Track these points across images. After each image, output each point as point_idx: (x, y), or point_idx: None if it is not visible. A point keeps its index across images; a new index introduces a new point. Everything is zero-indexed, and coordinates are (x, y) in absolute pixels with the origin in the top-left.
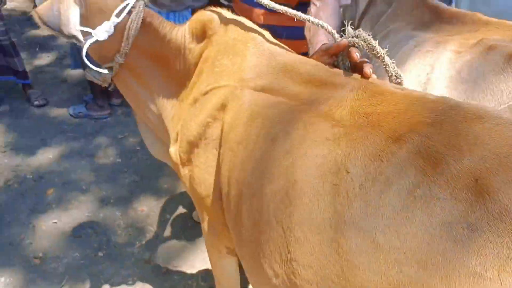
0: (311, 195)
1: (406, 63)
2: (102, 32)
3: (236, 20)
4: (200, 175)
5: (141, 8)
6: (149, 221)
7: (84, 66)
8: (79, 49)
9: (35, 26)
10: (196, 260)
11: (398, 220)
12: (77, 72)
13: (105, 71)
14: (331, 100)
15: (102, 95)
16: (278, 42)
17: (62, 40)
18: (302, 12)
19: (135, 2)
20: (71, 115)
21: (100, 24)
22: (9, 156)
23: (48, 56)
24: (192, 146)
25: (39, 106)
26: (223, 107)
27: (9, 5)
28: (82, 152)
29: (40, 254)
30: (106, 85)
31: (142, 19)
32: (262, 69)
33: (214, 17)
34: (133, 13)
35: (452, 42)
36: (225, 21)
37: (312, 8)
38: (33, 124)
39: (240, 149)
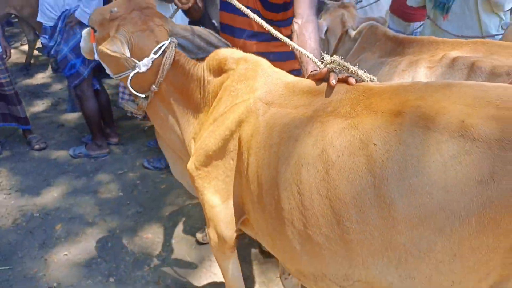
0: (350, 170)
1: (391, 81)
2: (143, 65)
3: (244, 55)
4: (218, 185)
5: (173, 48)
6: (154, 247)
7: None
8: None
9: (27, 76)
10: (203, 278)
11: (422, 164)
12: (73, 116)
13: (143, 96)
14: (332, 103)
15: (100, 136)
16: (270, 65)
17: (55, 88)
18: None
19: (168, 44)
20: (71, 156)
21: (140, 60)
22: (14, 197)
23: (43, 103)
24: (211, 158)
25: (39, 150)
26: (240, 122)
27: None
28: (85, 189)
29: (55, 285)
30: (141, 114)
31: (173, 57)
32: (270, 88)
33: (228, 55)
34: (167, 52)
35: (422, 60)
36: (236, 57)
37: (295, 25)
38: (35, 166)
39: (265, 152)
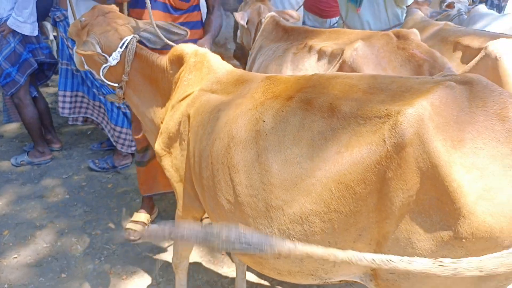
0: (243, 142)
1: (269, 64)
2: (113, 59)
3: (195, 48)
4: (177, 163)
5: (134, 42)
6: (104, 241)
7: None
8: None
9: None
10: (152, 264)
11: (296, 139)
12: (12, 127)
13: (116, 85)
14: (251, 89)
15: (42, 142)
16: (219, 58)
17: None
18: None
19: (130, 39)
20: (13, 165)
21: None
22: None
23: None
24: (172, 140)
25: None
26: (189, 107)
27: None
28: (31, 195)
29: (6, 286)
30: (121, 101)
31: (135, 50)
32: (212, 78)
33: (183, 49)
34: (129, 45)
35: (292, 47)
36: (189, 51)
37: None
38: None
39: (200, 130)
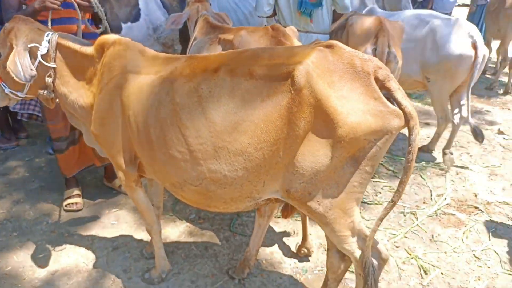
0: (188, 105)
1: (208, 49)
2: (43, 47)
3: (118, 38)
4: (112, 138)
5: (55, 34)
6: (53, 209)
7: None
8: None
9: None
10: (95, 225)
11: (231, 97)
12: None
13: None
14: (178, 68)
15: (9, 130)
16: (141, 45)
17: None
18: None
19: (52, 33)
20: None
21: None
22: None
23: None
24: (104, 119)
25: None
26: (118, 88)
27: None
28: None
29: None
30: (54, 99)
31: (55, 40)
32: (136, 62)
33: (107, 38)
34: (52, 37)
35: (212, 40)
36: (113, 40)
37: None
38: None
39: (137, 107)
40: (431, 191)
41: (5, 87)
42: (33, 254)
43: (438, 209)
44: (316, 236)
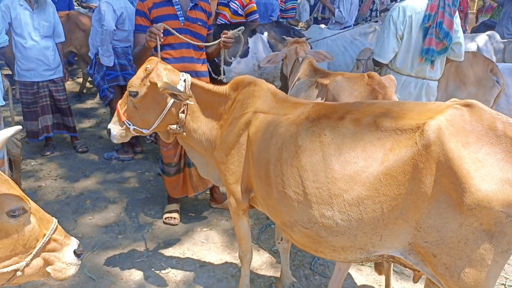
0: (310, 149)
1: (307, 91)
2: (179, 86)
3: (253, 79)
4: (234, 168)
5: (189, 76)
6: (154, 220)
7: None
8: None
9: (80, 101)
10: (187, 240)
11: (352, 146)
12: None
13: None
14: (305, 112)
15: (127, 144)
16: (273, 87)
17: (100, 111)
18: None
19: (186, 75)
20: (105, 158)
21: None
22: (59, 182)
23: (89, 121)
24: (229, 149)
25: (81, 152)
26: (247, 124)
27: None
28: (112, 181)
29: (80, 235)
30: (182, 130)
31: (190, 81)
32: (267, 103)
33: (244, 79)
34: (186, 78)
35: (311, 82)
36: (249, 81)
37: None
38: (77, 163)
39: (262, 144)
40: None
41: (130, 124)
42: (132, 258)
43: None
44: None
